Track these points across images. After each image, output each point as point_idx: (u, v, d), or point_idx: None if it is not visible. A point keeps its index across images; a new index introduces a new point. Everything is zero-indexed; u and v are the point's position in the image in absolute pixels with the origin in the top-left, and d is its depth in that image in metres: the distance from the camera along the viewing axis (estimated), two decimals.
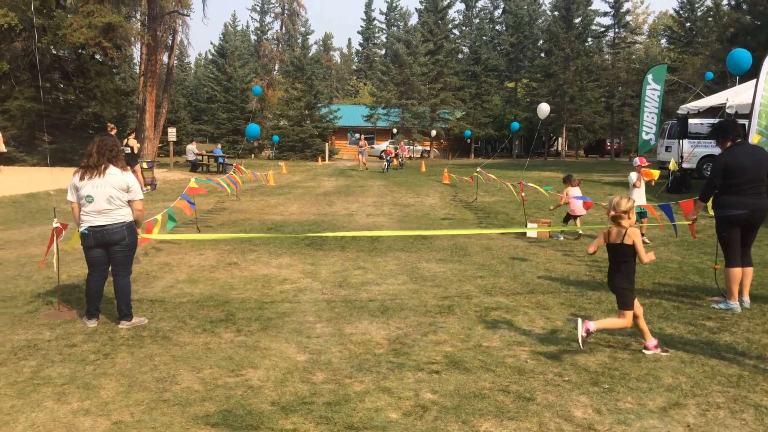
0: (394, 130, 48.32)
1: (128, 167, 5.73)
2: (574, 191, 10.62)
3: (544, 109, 16.28)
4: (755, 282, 6.95)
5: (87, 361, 4.69)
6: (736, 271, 6.07)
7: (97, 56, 29.75)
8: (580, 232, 10.59)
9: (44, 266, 7.79)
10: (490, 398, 4.05)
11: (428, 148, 51.73)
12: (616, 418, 3.77)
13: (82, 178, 5.41)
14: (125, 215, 5.50)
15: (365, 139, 36.50)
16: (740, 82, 17.30)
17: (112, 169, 5.45)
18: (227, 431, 3.60)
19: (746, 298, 6.20)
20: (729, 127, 6.22)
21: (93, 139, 5.60)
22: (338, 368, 4.59)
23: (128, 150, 16.11)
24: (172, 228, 8.66)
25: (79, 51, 29.09)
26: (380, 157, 33.39)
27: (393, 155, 33.18)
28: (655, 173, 9.85)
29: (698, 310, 6.13)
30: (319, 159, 42.57)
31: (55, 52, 29.30)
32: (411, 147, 49.46)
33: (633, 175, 9.90)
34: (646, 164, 10.12)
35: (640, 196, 9.65)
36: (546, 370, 4.55)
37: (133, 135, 17.66)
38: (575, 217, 10.55)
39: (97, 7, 27.20)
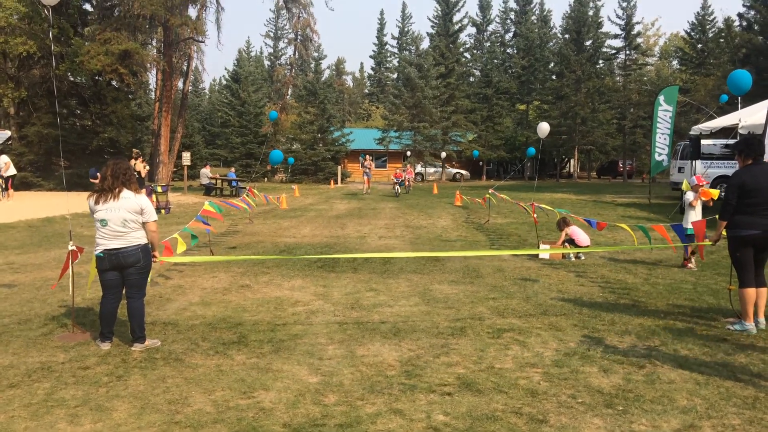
0: (408, 153, 48.43)
1: (141, 190, 5.81)
2: (573, 228, 10.66)
3: (543, 128, 16.32)
4: None
5: (100, 383, 4.72)
6: (750, 292, 6.02)
7: (114, 82, 30.26)
8: (583, 255, 10.56)
9: (58, 289, 7.86)
10: (502, 420, 4.02)
11: (460, 170, 51.76)
12: None
13: (96, 202, 5.48)
14: (140, 238, 5.55)
15: (371, 160, 34.41)
16: (741, 103, 17.29)
17: (126, 193, 5.52)
18: None
19: (762, 319, 6.13)
20: (755, 144, 6.17)
21: (107, 163, 5.68)
22: (350, 390, 4.59)
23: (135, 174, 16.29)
24: (194, 244, 8.76)
25: (96, 77, 29.61)
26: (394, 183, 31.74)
27: (403, 178, 31.78)
28: (715, 193, 9.11)
29: (713, 331, 6.07)
30: (332, 182, 42.78)
31: (72, 78, 29.83)
32: (424, 168, 49.64)
33: (690, 195, 9.35)
34: (704, 182, 9.54)
35: (696, 218, 8.94)
36: (559, 392, 4.52)
37: (141, 159, 17.87)
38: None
39: (113, 35, 27.76)
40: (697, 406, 4.22)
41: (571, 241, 10.68)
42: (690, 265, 9.50)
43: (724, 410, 4.16)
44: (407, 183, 32.52)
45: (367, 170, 32.71)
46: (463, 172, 51.89)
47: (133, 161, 17.13)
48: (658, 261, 10.27)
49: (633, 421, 4.00)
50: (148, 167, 19.62)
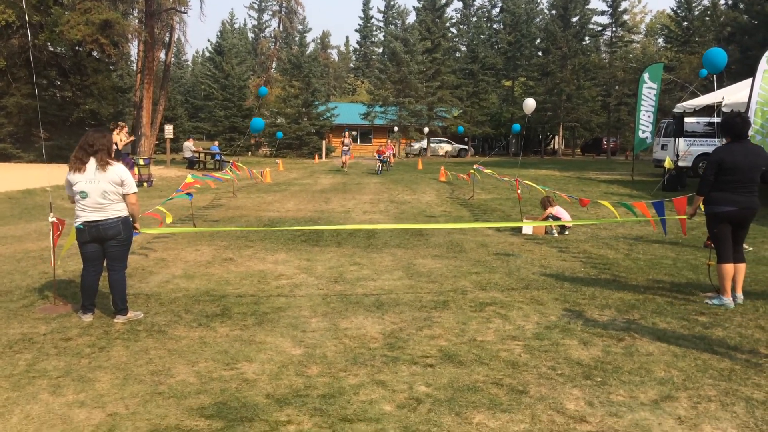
0: (395, 128, 48.22)
1: (120, 161, 5.72)
2: (557, 208, 10.72)
3: (529, 104, 16.28)
4: (749, 278, 7.00)
5: (82, 355, 4.71)
6: (728, 268, 6.11)
7: (94, 53, 29.75)
8: (568, 228, 10.61)
9: (39, 261, 7.81)
10: (483, 391, 4.08)
11: (465, 146, 51.56)
12: (607, 411, 3.80)
13: (73, 171, 5.39)
14: (120, 210, 5.50)
15: (350, 136, 31.69)
16: (717, 82, 17.34)
17: (101, 164, 5.41)
18: (222, 423, 3.62)
19: (739, 294, 6.23)
20: (736, 123, 6.17)
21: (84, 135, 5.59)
22: (333, 362, 4.62)
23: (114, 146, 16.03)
24: (178, 218, 8.70)
25: (76, 48, 29.09)
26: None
27: (386, 155, 29.19)
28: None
29: (691, 305, 6.17)
30: (316, 157, 42.59)
31: (52, 49, 29.28)
32: (410, 145, 49.46)
33: None
34: None
35: None
36: (539, 363, 4.58)
37: (118, 130, 17.59)
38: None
39: (94, 4, 27.21)
40: (674, 378, 4.30)
41: (556, 219, 10.76)
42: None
43: (700, 382, 4.24)
44: (385, 159, 29.45)
45: (346, 148, 30.67)
46: (468, 147, 51.73)
47: (116, 133, 16.85)
48: (639, 237, 10.38)
49: (611, 392, 4.07)
50: (133, 137, 19.23)
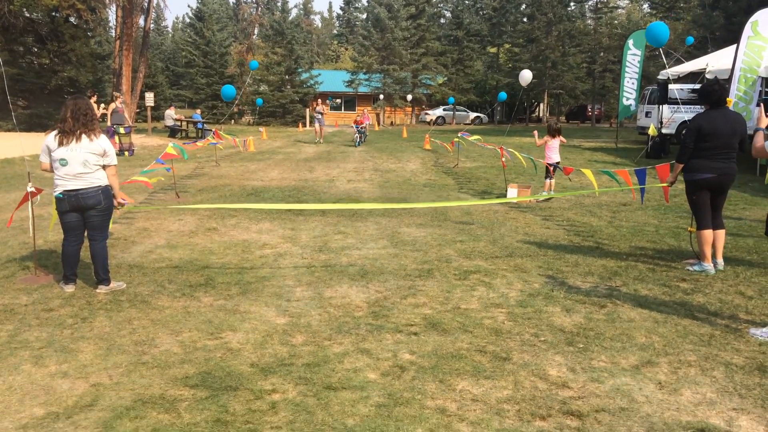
0: (381, 97, 47.78)
1: (101, 131, 5.63)
2: (553, 142, 10.74)
3: (526, 76, 16.16)
4: (730, 245, 7.08)
5: (64, 325, 4.67)
6: (708, 234, 6.17)
7: (72, 19, 29.06)
8: (552, 196, 10.65)
9: (20, 231, 7.71)
10: (467, 358, 4.11)
11: (480, 115, 51.07)
12: (589, 376, 3.84)
13: (60, 144, 5.30)
14: (100, 179, 5.42)
15: (325, 103, 27.38)
16: (702, 49, 17.29)
17: (88, 134, 5.35)
18: (206, 393, 3.62)
19: (720, 261, 6.30)
20: (714, 90, 6.21)
21: (66, 104, 5.46)
22: (318, 331, 4.62)
23: None
24: (160, 187, 8.62)
25: (53, 14, 28.37)
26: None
27: (364, 125, 25.38)
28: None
29: (673, 272, 6.23)
30: (300, 125, 42.21)
31: (28, 14, 28.51)
32: (425, 113, 48.85)
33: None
34: None
35: None
36: (522, 330, 4.62)
37: (95, 99, 17.27)
38: (551, 169, 10.65)
39: None
40: (655, 344, 4.35)
41: (546, 172, 10.75)
42: None
43: (680, 347, 4.30)
44: (362, 129, 25.34)
45: (319, 116, 26.21)
46: (482, 115, 51.38)
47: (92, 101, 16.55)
48: (623, 204, 10.44)
49: (593, 358, 4.12)
50: (106, 110, 18.85)
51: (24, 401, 3.52)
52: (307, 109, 44.52)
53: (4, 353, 4.16)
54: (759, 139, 5.07)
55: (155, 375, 3.85)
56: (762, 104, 5.46)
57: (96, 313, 4.96)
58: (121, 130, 18.67)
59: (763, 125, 5.07)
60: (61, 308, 5.06)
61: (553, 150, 10.77)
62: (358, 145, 23.74)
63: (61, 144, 5.30)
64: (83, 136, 5.31)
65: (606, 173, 8.47)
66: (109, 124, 18.19)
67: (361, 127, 25.05)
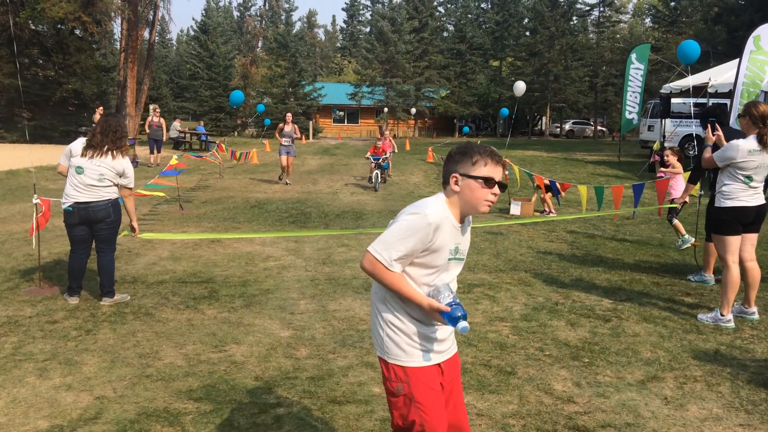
0: (385, 109, 47.77)
1: (128, 151, 5.72)
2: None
3: (520, 87, 16.19)
4: None
5: (69, 338, 4.67)
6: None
7: (77, 31, 29.23)
8: (553, 212, 10.65)
9: (24, 243, 7.72)
10: (471, 372, 4.09)
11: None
12: (595, 391, 3.83)
13: (83, 154, 5.36)
14: (111, 193, 5.45)
15: (291, 122, 15.18)
16: (704, 63, 17.32)
17: (114, 152, 5.43)
18: (211, 406, 3.61)
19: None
20: (715, 114, 6.25)
21: (99, 119, 5.67)
22: (322, 344, 4.61)
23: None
24: (164, 198, 8.65)
25: (59, 26, 28.56)
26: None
27: (386, 155, 15.67)
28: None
29: (677, 286, 6.22)
30: (303, 137, 42.26)
31: (33, 27, 28.72)
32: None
33: None
34: None
35: None
36: (527, 345, 4.61)
37: (101, 110, 17.34)
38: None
39: None
40: (661, 358, 4.34)
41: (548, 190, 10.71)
42: None
43: (686, 362, 4.29)
44: (384, 163, 15.65)
45: (287, 140, 14.92)
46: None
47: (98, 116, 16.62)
48: (626, 218, 10.43)
49: (598, 373, 4.10)
50: (154, 120, 19.19)
51: (28, 414, 3.52)
52: (310, 122, 44.59)
53: (8, 365, 4.16)
54: (706, 153, 5.38)
55: (159, 388, 3.84)
56: (709, 125, 5.58)
57: (100, 325, 4.96)
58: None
59: (710, 142, 5.45)
60: (65, 320, 5.06)
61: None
62: (378, 186, 14.63)
63: (84, 154, 5.35)
64: (109, 152, 5.38)
65: (597, 192, 8.43)
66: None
67: (383, 159, 15.34)
